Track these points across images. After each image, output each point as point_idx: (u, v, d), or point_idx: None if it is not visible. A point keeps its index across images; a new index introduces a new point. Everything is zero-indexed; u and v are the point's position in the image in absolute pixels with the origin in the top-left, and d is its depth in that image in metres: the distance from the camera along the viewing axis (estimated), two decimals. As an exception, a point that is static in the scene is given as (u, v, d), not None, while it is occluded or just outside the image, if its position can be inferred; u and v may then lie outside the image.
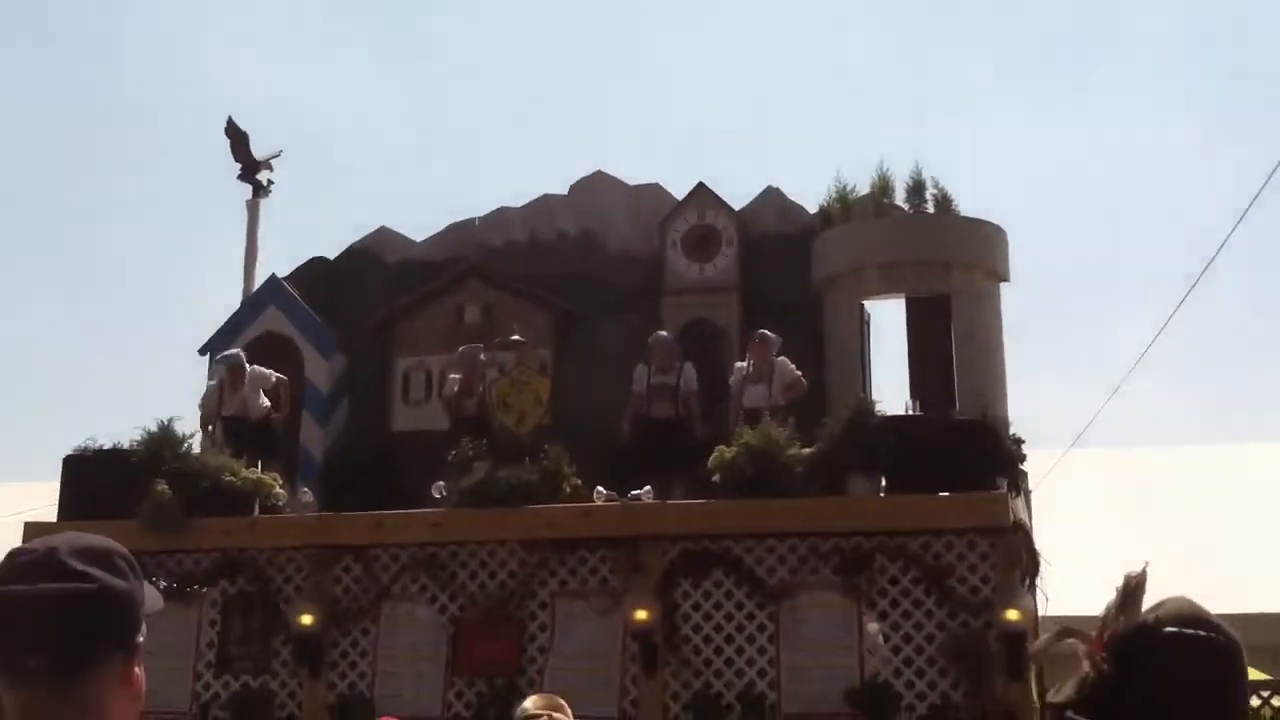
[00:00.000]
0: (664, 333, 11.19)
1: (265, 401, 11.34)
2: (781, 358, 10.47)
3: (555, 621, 9.47)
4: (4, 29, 42.97)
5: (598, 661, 9.30)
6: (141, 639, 1.66)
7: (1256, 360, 36.01)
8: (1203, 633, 1.65)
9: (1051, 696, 1.75)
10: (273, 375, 11.45)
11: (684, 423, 10.59)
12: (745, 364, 10.55)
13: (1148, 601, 1.71)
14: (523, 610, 9.56)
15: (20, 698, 1.57)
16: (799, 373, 10.43)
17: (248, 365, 11.33)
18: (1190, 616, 1.67)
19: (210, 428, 11.26)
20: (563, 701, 4.13)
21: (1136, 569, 1.74)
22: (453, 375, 11.40)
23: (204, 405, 11.39)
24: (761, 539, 9.16)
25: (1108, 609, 1.72)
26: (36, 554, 1.59)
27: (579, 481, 9.69)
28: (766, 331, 10.58)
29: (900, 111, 39.14)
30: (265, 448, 11.22)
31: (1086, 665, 1.70)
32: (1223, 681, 1.65)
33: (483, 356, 11.38)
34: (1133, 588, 1.71)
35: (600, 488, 9.58)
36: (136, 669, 1.65)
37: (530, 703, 4.10)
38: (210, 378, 11.93)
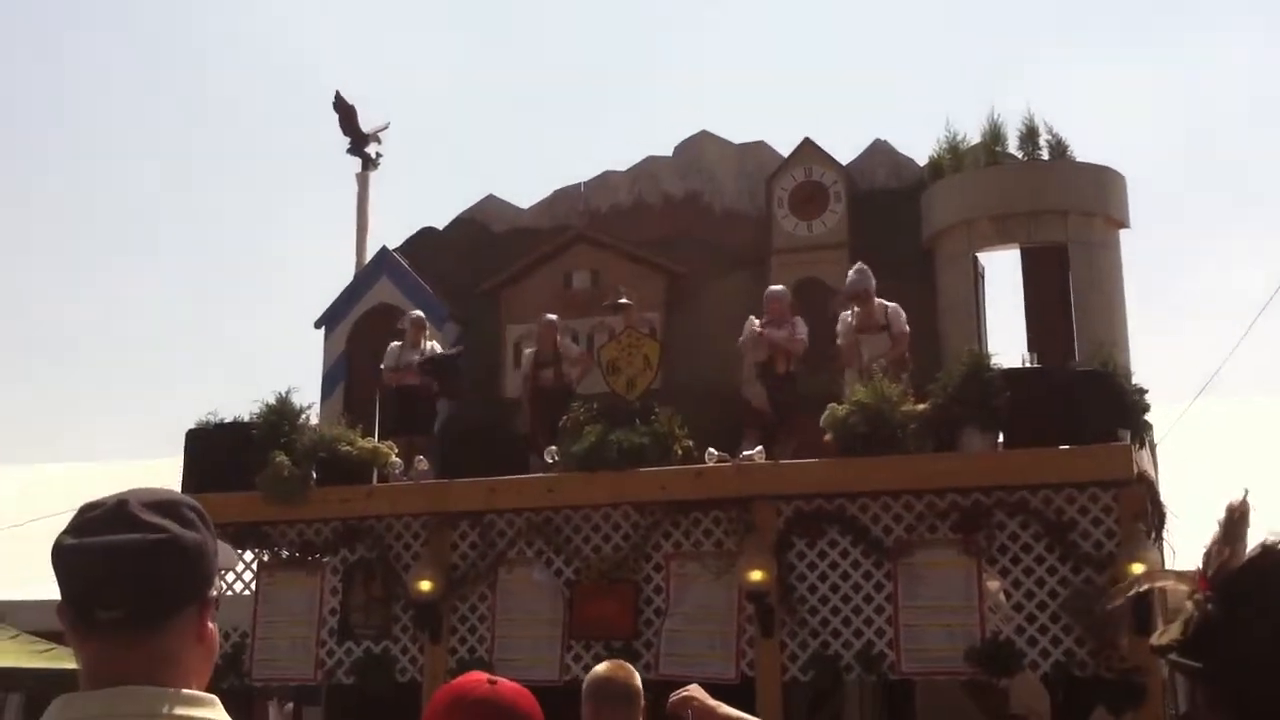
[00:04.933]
0: (779, 286, 11.05)
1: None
2: (894, 305, 10.27)
3: (670, 584, 9.48)
4: (90, 10, 43.98)
5: (714, 623, 9.29)
6: (215, 593, 1.65)
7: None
8: None
9: (1154, 640, 1.65)
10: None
11: (790, 376, 10.47)
12: (848, 317, 10.35)
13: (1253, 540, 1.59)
14: (637, 573, 9.58)
15: (95, 650, 1.56)
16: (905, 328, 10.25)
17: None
18: None
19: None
20: (631, 668, 4.18)
21: (1237, 498, 1.62)
22: (528, 350, 11.48)
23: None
24: (876, 497, 9.05)
25: (1211, 543, 1.60)
26: (107, 507, 1.59)
27: (690, 443, 9.65)
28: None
29: (1013, 57, 38.22)
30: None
31: (1190, 605, 1.59)
32: None
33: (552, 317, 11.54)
34: (1236, 518, 1.59)
35: (712, 449, 9.53)
36: (210, 623, 1.63)
37: (602, 667, 4.16)
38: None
